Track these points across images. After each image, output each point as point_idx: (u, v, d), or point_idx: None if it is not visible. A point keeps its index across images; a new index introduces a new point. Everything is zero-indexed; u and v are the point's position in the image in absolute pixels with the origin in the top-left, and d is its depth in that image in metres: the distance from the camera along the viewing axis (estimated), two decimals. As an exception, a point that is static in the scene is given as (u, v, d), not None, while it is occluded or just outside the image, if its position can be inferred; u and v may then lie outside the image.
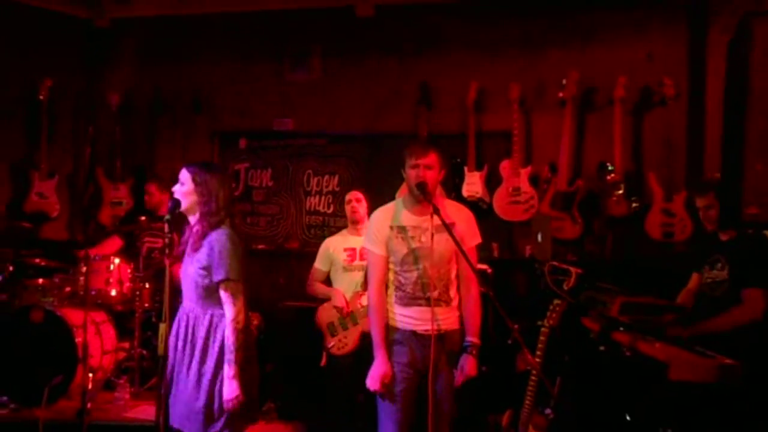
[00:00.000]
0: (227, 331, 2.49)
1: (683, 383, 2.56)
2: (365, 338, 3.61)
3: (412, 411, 2.71)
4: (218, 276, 2.52)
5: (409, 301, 2.70)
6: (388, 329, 2.75)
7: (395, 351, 2.71)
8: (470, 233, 2.75)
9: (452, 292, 2.75)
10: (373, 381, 2.68)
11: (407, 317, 2.71)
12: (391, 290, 2.77)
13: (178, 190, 2.61)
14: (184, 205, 2.58)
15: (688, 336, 2.77)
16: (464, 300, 2.76)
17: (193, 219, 2.63)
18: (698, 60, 4.70)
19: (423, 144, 2.84)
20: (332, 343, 3.67)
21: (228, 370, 2.46)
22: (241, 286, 2.54)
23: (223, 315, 2.55)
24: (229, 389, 2.45)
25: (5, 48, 5.22)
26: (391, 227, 2.72)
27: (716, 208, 3.00)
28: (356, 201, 3.86)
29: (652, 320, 2.87)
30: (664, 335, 2.75)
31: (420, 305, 2.68)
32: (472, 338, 2.72)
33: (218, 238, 2.55)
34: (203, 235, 2.56)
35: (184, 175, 2.62)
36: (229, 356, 2.46)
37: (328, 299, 3.78)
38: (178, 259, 2.63)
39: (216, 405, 2.51)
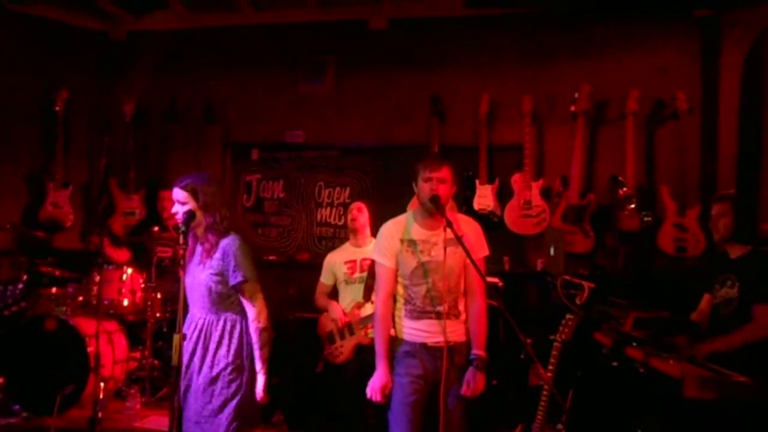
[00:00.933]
0: (251, 330, 2.60)
1: (697, 401, 2.53)
2: (360, 350, 3.66)
3: (423, 423, 2.69)
4: (236, 279, 2.56)
5: (419, 314, 2.70)
6: (398, 342, 2.75)
7: (406, 363, 2.70)
8: (478, 245, 2.75)
9: (461, 306, 2.74)
10: (373, 392, 2.69)
11: (417, 330, 2.70)
12: (400, 304, 2.76)
13: (180, 211, 2.60)
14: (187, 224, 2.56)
15: (702, 357, 2.73)
16: (470, 313, 2.75)
17: (198, 230, 2.63)
18: (711, 73, 4.68)
19: (437, 157, 2.83)
20: (329, 351, 3.76)
21: (258, 366, 2.59)
22: (259, 286, 2.64)
23: (236, 319, 2.61)
24: (261, 383, 2.59)
25: (23, 60, 5.31)
26: (402, 240, 2.72)
27: (728, 217, 2.96)
28: (357, 210, 3.90)
29: (665, 336, 2.84)
30: (678, 355, 2.72)
31: (430, 318, 2.68)
32: (478, 351, 2.70)
33: (230, 243, 2.59)
34: (216, 244, 2.59)
35: (181, 194, 2.61)
36: (257, 353, 2.59)
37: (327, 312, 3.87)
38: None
39: (228, 408, 2.54)
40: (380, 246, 2.77)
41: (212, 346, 2.58)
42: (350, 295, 3.82)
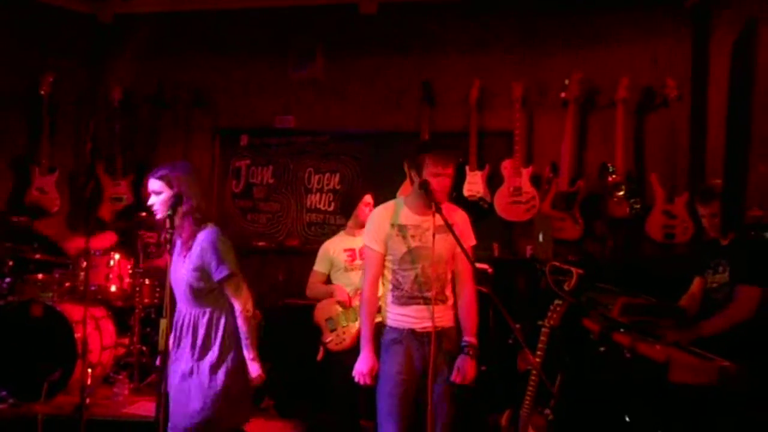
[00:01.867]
0: (239, 322, 2.59)
1: (683, 385, 2.55)
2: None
3: (412, 411, 2.70)
4: (220, 274, 2.53)
5: (406, 300, 2.69)
6: (384, 329, 2.75)
7: (393, 350, 2.70)
8: (466, 235, 2.75)
9: (448, 291, 2.75)
10: (361, 375, 2.71)
11: (405, 316, 2.70)
12: (387, 290, 2.76)
13: (157, 202, 2.57)
14: (167, 213, 2.52)
15: (687, 342, 2.76)
16: (460, 300, 2.75)
17: (176, 219, 2.57)
18: (701, 61, 4.69)
19: (446, 152, 2.75)
20: (330, 338, 3.68)
21: (248, 354, 2.60)
22: (241, 277, 2.61)
23: (221, 312, 2.59)
24: (253, 369, 2.61)
25: (8, 42, 5.21)
26: (392, 225, 2.72)
27: (721, 216, 2.99)
28: (365, 204, 3.85)
29: (652, 322, 2.86)
30: (664, 341, 2.74)
31: (418, 304, 2.68)
32: (469, 338, 2.71)
33: (206, 237, 2.55)
34: (192, 235, 2.56)
35: (156, 184, 2.57)
36: (246, 342, 2.59)
37: (328, 298, 3.79)
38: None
39: (214, 399, 2.53)
40: (370, 230, 2.77)
41: (200, 341, 2.56)
42: (350, 282, 3.77)
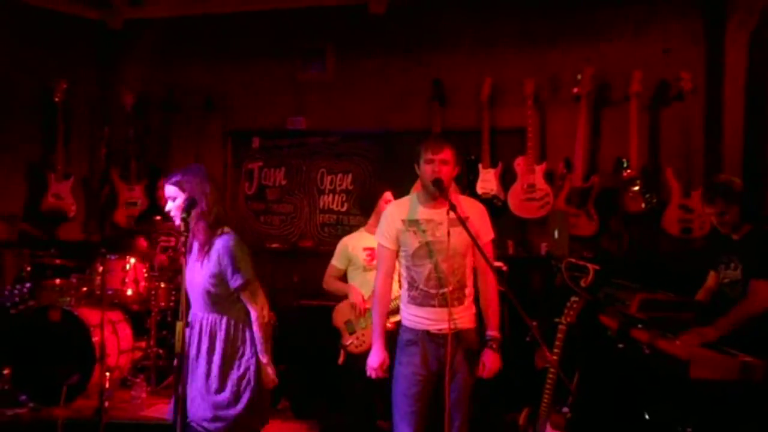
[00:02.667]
0: (254, 328, 2.61)
1: (704, 381, 2.52)
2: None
3: (428, 411, 2.67)
4: (236, 282, 2.55)
5: (422, 300, 2.67)
6: (401, 329, 2.74)
7: (408, 352, 2.68)
8: (484, 229, 2.72)
9: (467, 290, 2.70)
10: (371, 369, 2.73)
11: (420, 317, 2.68)
12: (404, 289, 2.74)
13: (173, 207, 2.60)
14: (181, 217, 2.53)
15: (717, 340, 2.71)
16: (482, 294, 2.72)
17: (191, 222, 2.58)
18: (716, 53, 4.63)
19: (438, 139, 2.79)
20: (350, 341, 3.65)
21: (263, 359, 2.62)
22: (258, 283, 2.62)
23: (239, 319, 2.61)
24: (267, 374, 2.64)
25: (21, 50, 5.27)
26: (404, 221, 2.70)
27: (730, 212, 2.93)
28: (384, 202, 3.84)
29: (671, 317, 2.83)
30: (686, 341, 2.70)
31: (433, 306, 2.65)
32: (492, 332, 2.68)
33: (224, 244, 2.55)
34: (208, 240, 2.56)
35: (171, 189, 2.60)
36: (260, 347, 2.61)
37: (343, 296, 3.77)
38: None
39: (237, 403, 2.56)
40: (381, 227, 2.79)
41: (219, 347, 2.58)
42: (367, 283, 3.74)
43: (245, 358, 2.60)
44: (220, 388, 2.56)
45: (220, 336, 2.58)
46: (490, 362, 2.65)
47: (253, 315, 2.60)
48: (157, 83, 5.56)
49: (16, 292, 2.60)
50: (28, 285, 2.45)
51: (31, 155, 5.42)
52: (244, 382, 2.58)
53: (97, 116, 5.68)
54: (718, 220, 2.99)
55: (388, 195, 3.85)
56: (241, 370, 2.59)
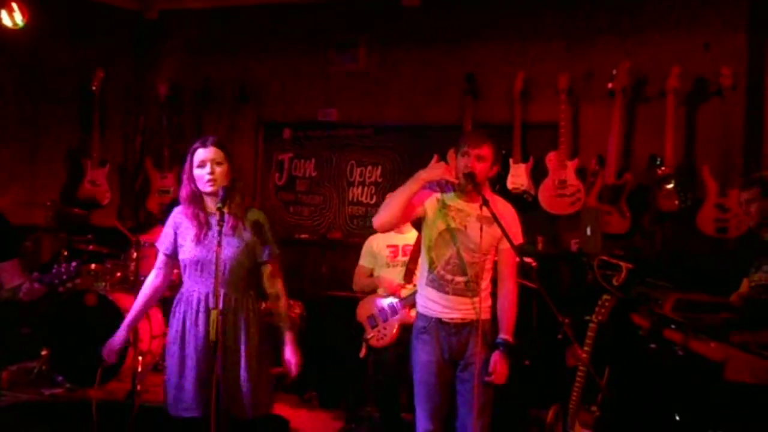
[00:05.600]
0: (282, 303, 2.58)
1: (739, 384, 2.48)
2: (405, 330, 3.64)
3: (445, 401, 2.65)
4: (268, 254, 2.53)
5: (438, 284, 2.65)
6: (417, 316, 2.74)
7: (422, 339, 2.68)
8: (513, 232, 2.62)
9: (483, 283, 2.67)
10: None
11: (434, 302, 2.66)
12: (424, 270, 2.72)
13: (219, 171, 2.49)
14: (225, 185, 2.47)
15: (755, 344, 2.66)
16: (500, 297, 2.69)
17: (211, 199, 2.52)
18: (758, 48, 4.50)
19: (480, 134, 2.74)
20: (372, 335, 3.72)
21: (291, 337, 2.57)
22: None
23: (256, 297, 2.57)
24: (296, 354, 2.56)
25: (61, 40, 5.39)
26: (438, 200, 2.68)
27: (758, 203, 2.87)
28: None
29: (707, 319, 2.78)
30: (726, 339, 2.65)
31: (447, 292, 2.63)
32: (505, 336, 2.63)
33: (260, 216, 2.56)
34: (244, 213, 2.53)
35: (219, 153, 2.50)
36: (289, 324, 2.58)
37: (372, 291, 3.83)
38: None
39: (264, 381, 2.55)
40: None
41: (243, 325, 2.51)
42: (391, 278, 3.80)
43: (262, 338, 2.58)
44: (250, 368, 2.54)
45: (242, 315, 2.54)
46: (499, 367, 2.58)
47: (282, 289, 2.61)
48: (191, 74, 5.63)
49: (63, 270, 2.64)
50: (74, 263, 2.50)
51: (70, 143, 5.55)
52: (260, 363, 2.56)
53: (131, 105, 5.79)
54: (745, 208, 2.92)
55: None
56: (258, 350, 2.56)
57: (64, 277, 2.65)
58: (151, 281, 2.69)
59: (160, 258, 2.68)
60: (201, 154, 2.52)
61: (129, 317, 2.69)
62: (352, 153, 5.39)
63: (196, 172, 2.53)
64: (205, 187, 2.52)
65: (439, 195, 2.68)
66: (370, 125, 5.34)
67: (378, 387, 3.87)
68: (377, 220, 2.66)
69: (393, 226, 2.85)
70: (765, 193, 2.85)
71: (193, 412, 2.47)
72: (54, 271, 2.65)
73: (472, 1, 5.08)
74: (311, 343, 4.81)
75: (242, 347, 2.51)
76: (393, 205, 2.60)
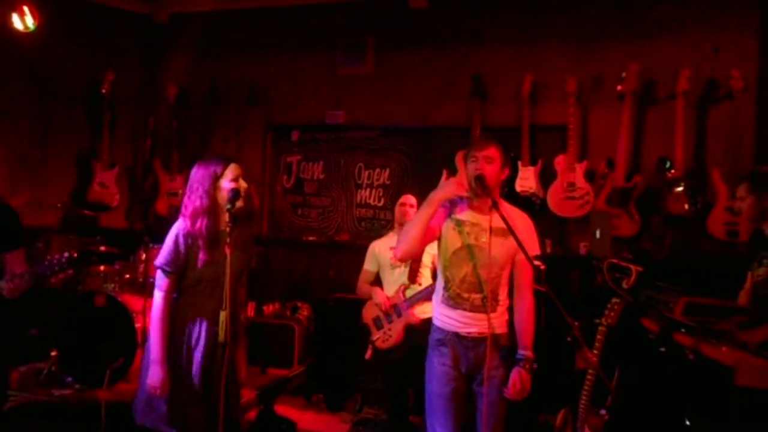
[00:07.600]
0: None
1: (751, 389, 2.46)
2: (410, 331, 3.64)
3: (460, 414, 2.61)
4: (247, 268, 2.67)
5: (454, 302, 2.60)
6: (432, 327, 2.70)
7: (439, 352, 2.63)
8: (529, 243, 2.53)
9: (501, 297, 2.62)
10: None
11: (451, 318, 2.62)
12: (439, 287, 2.69)
13: (243, 188, 2.58)
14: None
15: (755, 345, 2.64)
16: (517, 310, 2.63)
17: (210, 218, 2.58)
18: (769, 51, 4.48)
19: (486, 137, 2.76)
20: (377, 336, 3.74)
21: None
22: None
23: None
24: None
25: (70, 43, 5.43)
26: (449, 217, 2.64)
27: (748, 200, 2.85)
28: (410, 206, 3.90)
29: (717, 323, 2.76)
30: (734, 340, 2.63)
31: (464, 309, 2.58)
32: (525, 352, 2.58)
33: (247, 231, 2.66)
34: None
35: (241, 171, 2.61)
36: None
37: (370, 299, 3.88)
38: None
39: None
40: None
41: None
42: (395, 279, 3.83)
43: None
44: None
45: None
46: (521, 383, 2.53)
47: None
48: (200, 76, 5.66)
49: (55, 261, 2.64)
50: (66, 254, 2.46)
51: (79, 145, 5.58)
52: None
53: (141, 108, 5.82)
54: (738, 204, 2.92)
55: (403, 199, 3.94)
56: None
57: (56, 268, 2.66)
58: (167, 310, 2.58)
59: (169, 281, 2.59)
60: (234, 169, 2.58)
61: (161, 353, 2.57)
62: (360, 155, 5.40)
63: (227, 185, 2.56)
64: (240, 202, 2.54)
65: (447, 213, 2.63)
66: (377, 127, 5.35)
67: (385, 388, 3.88)
68: (399, 252, 2.64)
69: (417, 254, 2.84)
70: (754, 189, 2.83)
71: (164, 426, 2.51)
72: (46, 262, 2.66)
73: (479, 3, 5.08)
74: (318, 344, 4.84)
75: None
76: (413, 233, 2.56)
